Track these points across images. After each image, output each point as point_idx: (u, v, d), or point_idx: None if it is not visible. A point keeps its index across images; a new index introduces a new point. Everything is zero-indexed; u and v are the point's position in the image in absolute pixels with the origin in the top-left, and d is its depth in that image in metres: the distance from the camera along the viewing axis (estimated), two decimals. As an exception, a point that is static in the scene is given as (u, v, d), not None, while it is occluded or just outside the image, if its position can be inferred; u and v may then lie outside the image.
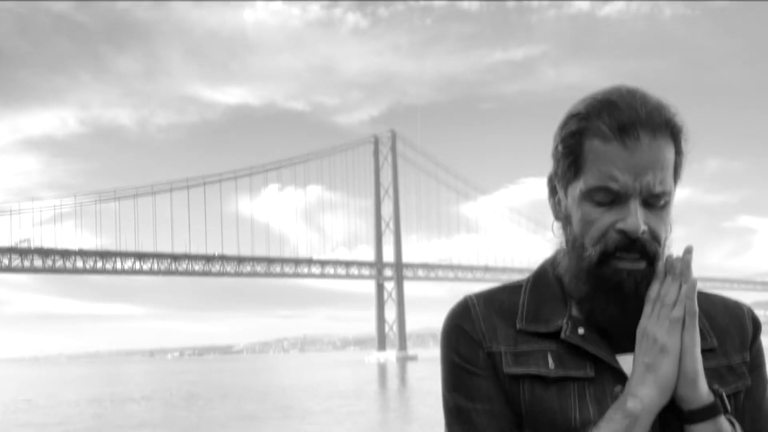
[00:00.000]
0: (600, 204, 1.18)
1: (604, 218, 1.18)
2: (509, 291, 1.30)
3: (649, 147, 1.15)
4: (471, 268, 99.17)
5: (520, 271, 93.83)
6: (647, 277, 1.19)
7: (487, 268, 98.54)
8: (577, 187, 1.20)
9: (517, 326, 1.25)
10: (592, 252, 1.19)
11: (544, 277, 1.30)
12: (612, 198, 1.17)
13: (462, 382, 1.25)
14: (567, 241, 1.24)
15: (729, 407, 1.19)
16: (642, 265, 1.19)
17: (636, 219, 1.16)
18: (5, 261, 77.75)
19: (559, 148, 1.22)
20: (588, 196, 1.19)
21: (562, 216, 1.25)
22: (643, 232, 1.17)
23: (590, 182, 1.18)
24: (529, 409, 1.21)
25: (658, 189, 1.17)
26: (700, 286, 1.24)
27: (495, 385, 1.23)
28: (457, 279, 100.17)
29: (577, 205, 1.20)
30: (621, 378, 1.20)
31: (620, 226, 1.17)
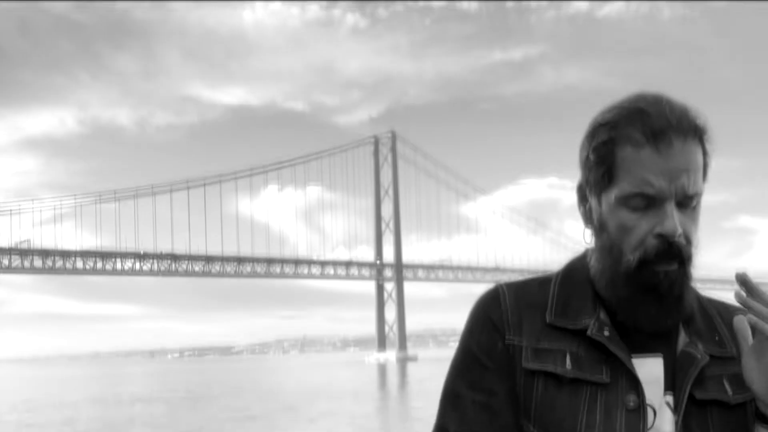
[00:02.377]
0: (636, 209, 1.21)
1: (642, 225, 1.21)
2: (539, 284, 1.32)
3: (681, 151, 1.19)
4: (471, 269, 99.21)
5: (521, 271, 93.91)
6: (681, 276, 1.23)
7: (487, 269, 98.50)
8: (612, 194, 1.22)
9: (547, 319, 1.26)
10: (631, 258, 1.22)
11: (575, 273, 1.32)
12: (647, 203, 1.20)
13: (469, 369, 1.26)
14: (604, 247, 1.26)
15: None
16: (675, 266, 1.22)
17: (673, 221, 1.19)
18: (5, 261, 77.78)
19: (591, 157, 1.24)
20: (624, 202, 1.21)
21: (596, 223, 1.27)
22: (679, 235, 1.20)
23: (626, 189, 1.21)
24: (539, 406, 1.22)
25: (691, 191, 1.20)
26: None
27: (502, 381, 1.24)
28: (456, 280, 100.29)
29: (612, 211, 1.23)
30: (635, 386, 1.22)
31: (658, 230, 1.20)
